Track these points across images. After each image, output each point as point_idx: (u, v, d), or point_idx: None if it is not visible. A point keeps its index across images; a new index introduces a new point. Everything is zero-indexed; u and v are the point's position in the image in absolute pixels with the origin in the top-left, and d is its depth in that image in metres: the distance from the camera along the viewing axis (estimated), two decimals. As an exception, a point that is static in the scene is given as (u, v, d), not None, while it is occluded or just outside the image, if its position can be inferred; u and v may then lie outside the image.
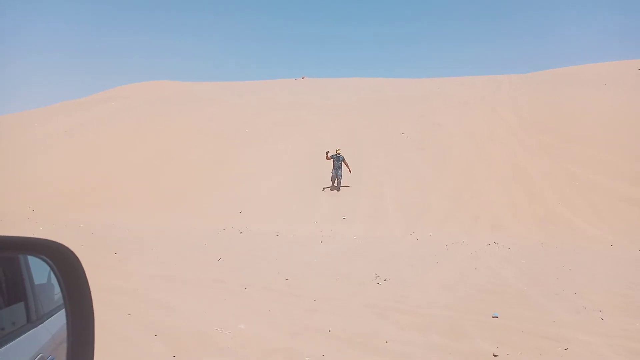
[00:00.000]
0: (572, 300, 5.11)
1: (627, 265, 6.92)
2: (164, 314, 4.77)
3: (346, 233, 9.60)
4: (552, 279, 6.06)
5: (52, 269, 1.24)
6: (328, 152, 12.70)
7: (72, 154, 17.91)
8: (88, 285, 1.25)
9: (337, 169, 12.41)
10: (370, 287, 5.74)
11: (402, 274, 6.35)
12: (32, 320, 1.27)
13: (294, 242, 8.83)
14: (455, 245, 8.35)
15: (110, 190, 14.24)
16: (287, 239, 9.11)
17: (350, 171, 12.64)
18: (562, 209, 10.27)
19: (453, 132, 15.98)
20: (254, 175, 14.11)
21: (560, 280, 5.98)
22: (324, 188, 12.69)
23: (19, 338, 1.17)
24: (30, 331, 1.23)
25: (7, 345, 1.09)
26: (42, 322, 1.31)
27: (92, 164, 16.45)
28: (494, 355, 3.70)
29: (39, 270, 1.28)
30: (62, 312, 1.24)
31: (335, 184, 12.57)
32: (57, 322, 1.30)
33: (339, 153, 12.50)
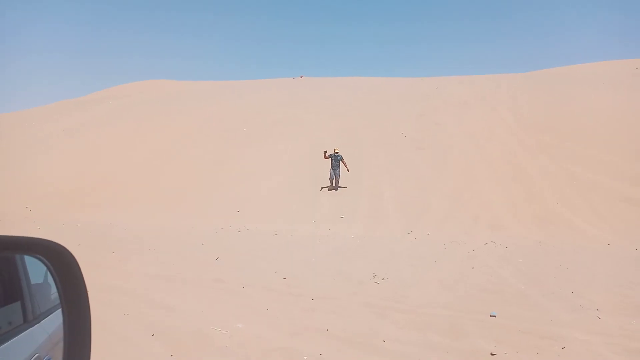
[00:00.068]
0: (570, 299, 5.11)
1: (627, 265, 6.92)
2: (163, 313, 4.78)
3: (346, 233, 9.61)
4: (551, 278, 6.06)
5: (48, 268, 1.24)
6: (326, 151, 12.71)
7: (72, 153, 17.91)
8: (84, 284, 1.25)
9: (335, 168, 12.42)
10: (370, 287, 5.75)
11: (402, 274, 6.35)
12: (29, 320, 1.27)
13: (294, 242, 8.83)
14: (453, 244, 8.36)
15: (109, 190, 14.24)
16: (287, 239, 9.11)
17: (348, 170, 12.64)
18: (561, 209, 10.27)
19: (453, 131, 15.98)
20: (253, 175, 14.11)
21: (558, 279, 5.99)
22: (321, 188, 12.69)
23: (16, 338, 1.17)
24: (27, 331, 1.23)
25: (4, 345, 1.10)
26: (39, 322, 1.31)
27: (92, 164, 16.45)
28: (492, 354, 3.70)
29: (36, 270, 1.28)
30: (59, 312, 1.24)
31: (334, 184, 12.57)
32: (54, 322, 1.30)
33: (337, 152, 12.50)
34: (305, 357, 3.70)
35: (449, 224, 9.87)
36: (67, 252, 1.23)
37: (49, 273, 1.26)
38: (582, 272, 6.39)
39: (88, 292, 1.28)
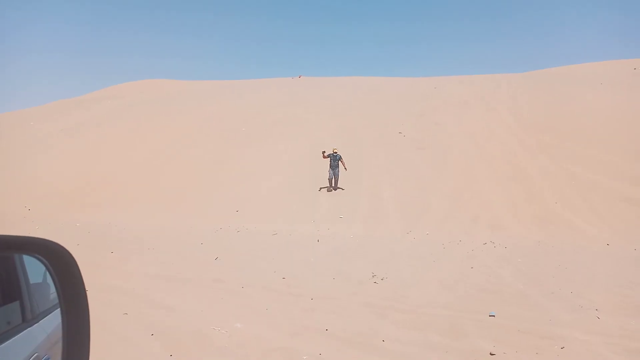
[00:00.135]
0: (569, 299, 5.11)
1: (626, 265, 6.92)
2: (163, 313, 4.77)
3: (345, 233, 9.60)
4: (550, 278, 6.06)
5: (47, 268, 1.24)
6: (324, 151, 12.71)
7: (71, 153, 17.90)
8: (83, 284, 1.25)
9: (333, 168, 12.42)
10: (369, 287, 5.75)
11: (401, 274, 6.35)
12: (28, 319, 1.27)
13: (293, 242, 8.82)
14: (452, 244, 8.36)
15: (109, 190, 14.23)
16: (286, 239, 9.11)
17: (345, 169, 12.62)
18: (561, 209, 10.27)
19: (453, 131, 15.98)
20: (253, 175, 14.10)
21: (558, 279, 5.99)
22: (320, 188, 12.69)
23: (14, 337, 1.17)
24: (26, 330, 1.23)
25: (3, 345, 1.09)
26: (38, 322, 1.31)
27: (91, 164, 16.44)
28: (491, 354, 3.70)
29: (35, 270, 1.28)
30: (58, 312, 1.24)
31: (333, 184, 12.57)
32: (53, 322, 1.30)
33: (336, 152, 12.50)
34: (305, 357, 3.70)
35: (449, 224, 9.87)
36: (66, 251, 1.23)
37: (47, 273, 1.26)
38: (581, 272, 6.39)
39: (87, 292, 1.28)
